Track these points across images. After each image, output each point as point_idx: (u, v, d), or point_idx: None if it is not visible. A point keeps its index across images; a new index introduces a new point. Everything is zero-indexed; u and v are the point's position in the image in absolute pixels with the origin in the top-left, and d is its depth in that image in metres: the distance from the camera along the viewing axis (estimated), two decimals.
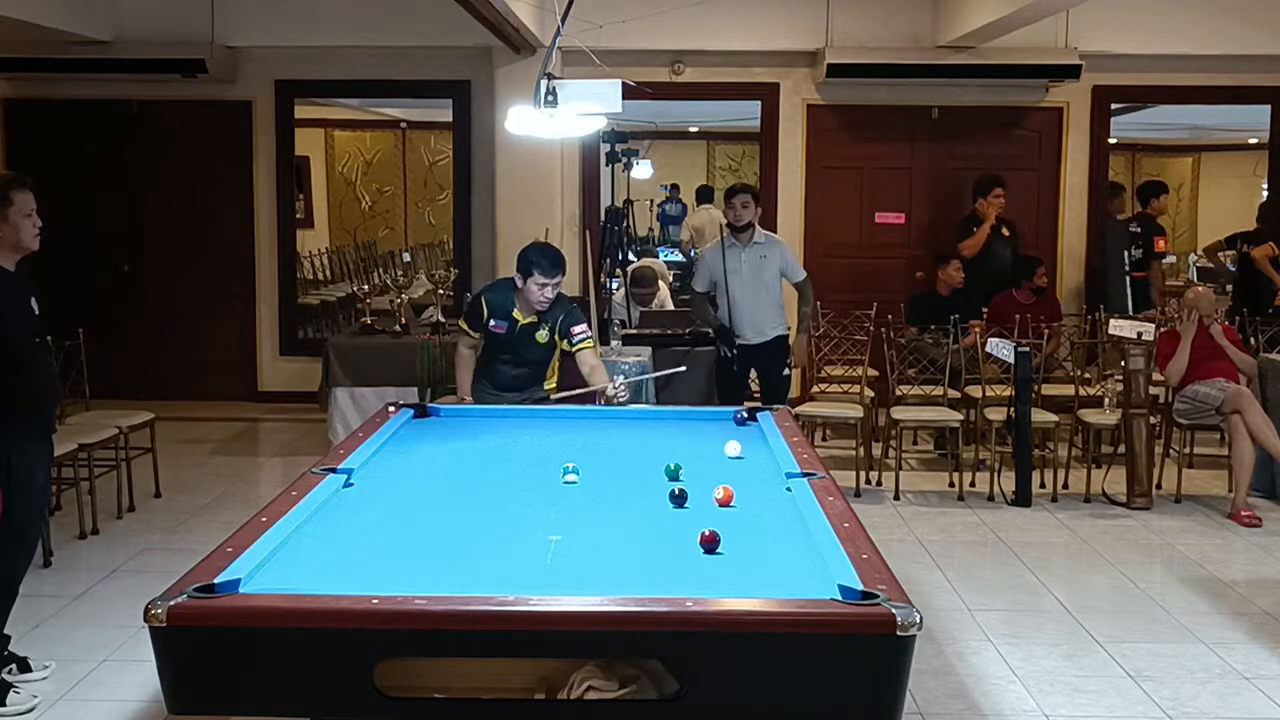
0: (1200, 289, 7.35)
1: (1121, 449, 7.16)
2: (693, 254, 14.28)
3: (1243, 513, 6.60)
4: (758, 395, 7.16)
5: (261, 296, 9.84)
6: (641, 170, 13.85)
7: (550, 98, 5.84)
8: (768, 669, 2.52)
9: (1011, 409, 7.06)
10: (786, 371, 7.04)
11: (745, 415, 4.83)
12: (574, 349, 5.38)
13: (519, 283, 5.32)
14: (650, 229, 16.40)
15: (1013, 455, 7.13)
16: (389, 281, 10.80)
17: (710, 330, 7.16)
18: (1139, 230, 9.39)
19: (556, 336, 5.42)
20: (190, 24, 9.12)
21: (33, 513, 4.30)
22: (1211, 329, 7.07)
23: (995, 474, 7.15)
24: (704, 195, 14.47)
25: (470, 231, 9.74)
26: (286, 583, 2.71)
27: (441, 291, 8.44)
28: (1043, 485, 7.29)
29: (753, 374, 7.18)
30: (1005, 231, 8.61)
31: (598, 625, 2.54)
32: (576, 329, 5.39)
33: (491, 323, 5.44)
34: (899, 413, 7.39)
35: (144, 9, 9.17)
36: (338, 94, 11.32)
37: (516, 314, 5.40)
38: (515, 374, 5.49)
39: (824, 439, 8.42)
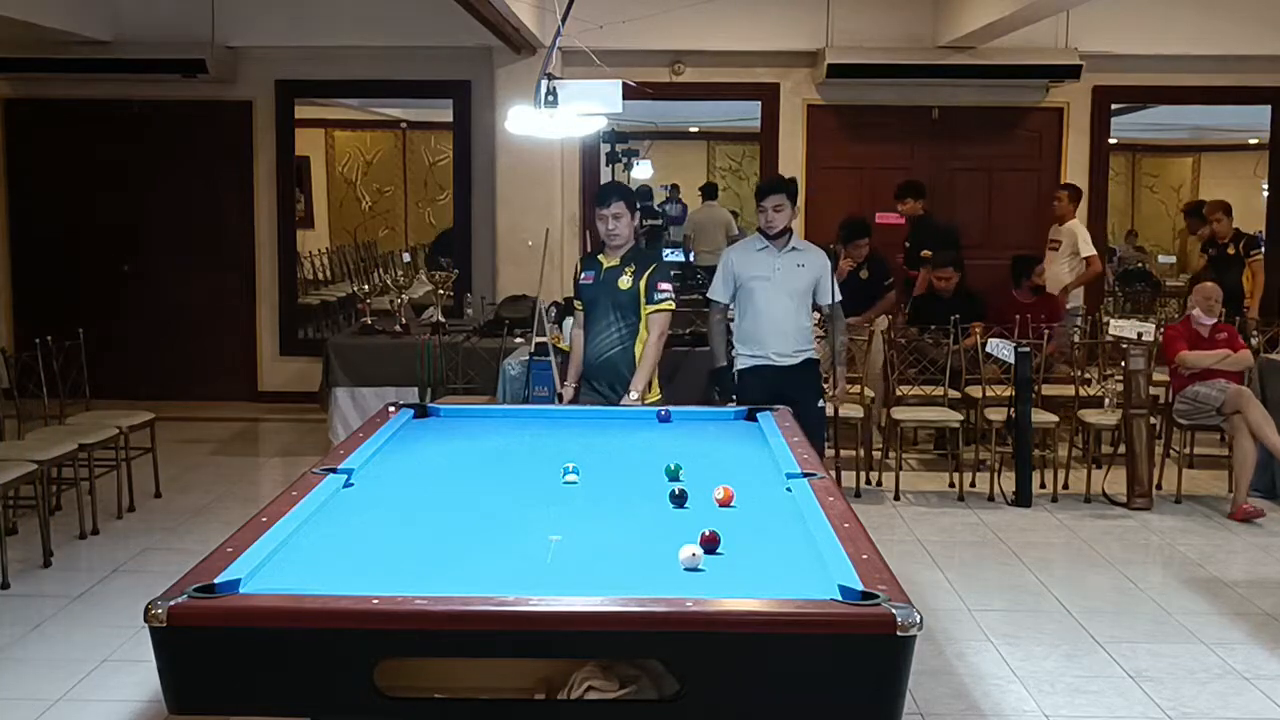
0: (1200, 284, 7.37)
1: (1121, 449, 7.16)
2: (691, 256, 14.28)
3: (1244, 506, 6.61)
4: None
5: (261, 296, 9.84)
6: (641, 170, 13.87)
7: (550, 98, 5.84)
8: (768, 669, 2.51)
9: (1011, 409, 7.06)
10: (821, 403, 5.97)
11: (665, 413, 4.83)
12: (652, 308, 5.30)
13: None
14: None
15: (1013, 455, 7.12)
16: (389, 281, 10.80)
17: (713, 354, 6.09)
18: None
19: (642, 286, 5.29)
20: (190, 24, 9.13)
21: None
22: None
23: (995, 474, 7.15)
24: (709, 192, 14.44)
25: (470, 231, 9.75)
26: (286, 583, 2.71)
27: (441, 292, 8.43)
28: (1043, 485, 7.29)
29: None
30: (864, 275, 8.32)
31: (598, 625, 2.54)
32: (663, 285, 5.33)
33: (583, 276, 5.45)
34: (899, 413, 7.39)
35: (144, 9, 9.18)
36: (338, 94, 11.34)
37: (602, 258, 5.41)
38: (603, 338, 5.34)
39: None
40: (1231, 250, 8.94)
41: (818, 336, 6.16)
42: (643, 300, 5.31)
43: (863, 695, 2.53)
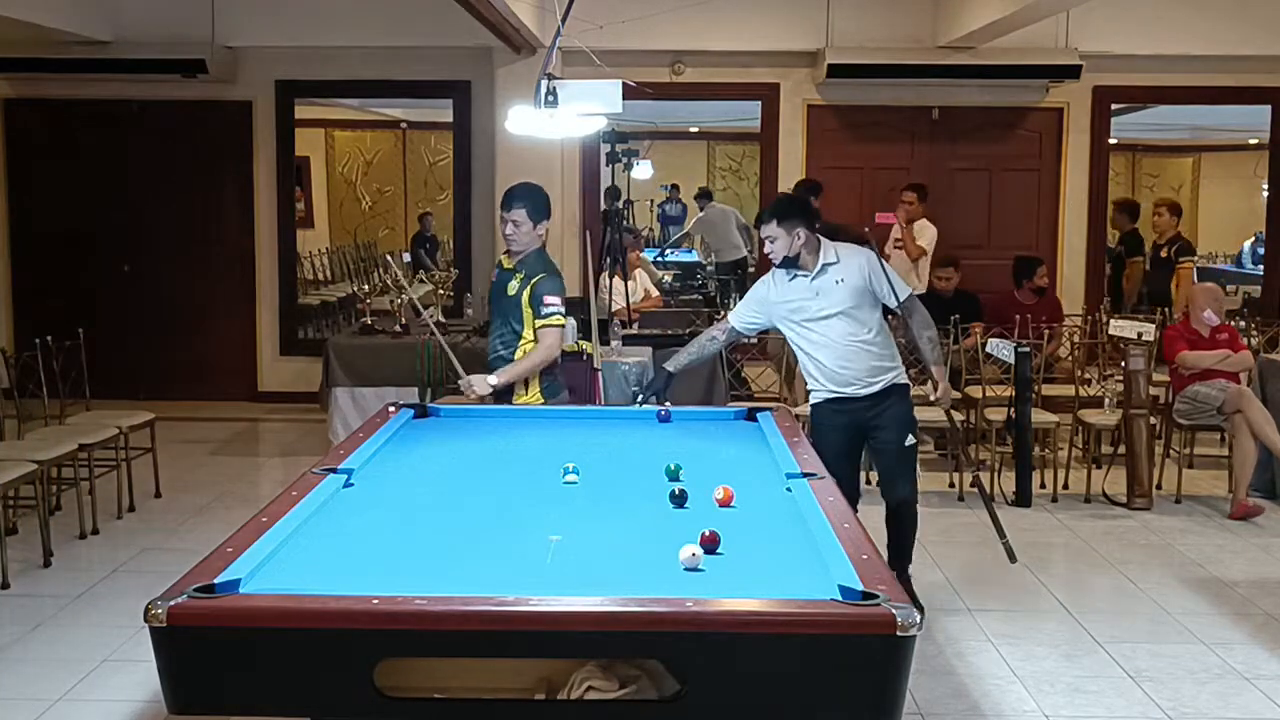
0: (1205, 285, 7.38)
1: (1122, 449, 7.16)
2: (694, 254, 14.28)
3: (1244, 503, 6.61)
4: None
5: (261, 296, 9.84)
6: (641, 170, 13.88)
7: (550, 98, 5.84)
8: (768, 669, 2.51)
9: (1012, 409, 7.06)
10: (910, 441, 5.09)
11: (665, 413, 4.79)
12: (540, 322, 5.04)
13: None
14: (649, 229, 16.42)
15: (1013, 455, 7.12)
16: (389, 281, 10.78)
17: (674, 357, 5.24)
18: None
19: (525, 295, 5.05)
20: (190, 24, 9.12)
21: None
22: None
23: (995, 474, 7.15)
24: (708, 194, 14.42)
25: (470, 231, 9.75)
26: (286, 583, 2.71)
27: (442, 292, 8.43)
28: (1043, 485, 7.29)
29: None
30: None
31: (598, 625, 2.54)
32: (549, 299, 5.00)
33: (493, 276, 5.42)
34: None
35: (144, 9, 9.17)
36: (338, 94, 11.35)
37: (503, 258, 5.27)
38: (493, 340, 5.27)
39: None
40: (1165, 254, 8.94)
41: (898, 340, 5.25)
42: (527, 310, 5.10)
43: (863, 695, 2.53)
